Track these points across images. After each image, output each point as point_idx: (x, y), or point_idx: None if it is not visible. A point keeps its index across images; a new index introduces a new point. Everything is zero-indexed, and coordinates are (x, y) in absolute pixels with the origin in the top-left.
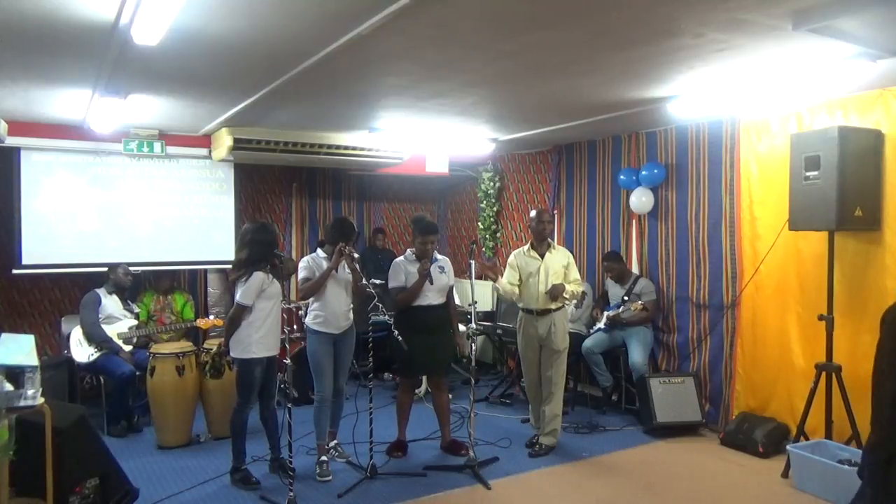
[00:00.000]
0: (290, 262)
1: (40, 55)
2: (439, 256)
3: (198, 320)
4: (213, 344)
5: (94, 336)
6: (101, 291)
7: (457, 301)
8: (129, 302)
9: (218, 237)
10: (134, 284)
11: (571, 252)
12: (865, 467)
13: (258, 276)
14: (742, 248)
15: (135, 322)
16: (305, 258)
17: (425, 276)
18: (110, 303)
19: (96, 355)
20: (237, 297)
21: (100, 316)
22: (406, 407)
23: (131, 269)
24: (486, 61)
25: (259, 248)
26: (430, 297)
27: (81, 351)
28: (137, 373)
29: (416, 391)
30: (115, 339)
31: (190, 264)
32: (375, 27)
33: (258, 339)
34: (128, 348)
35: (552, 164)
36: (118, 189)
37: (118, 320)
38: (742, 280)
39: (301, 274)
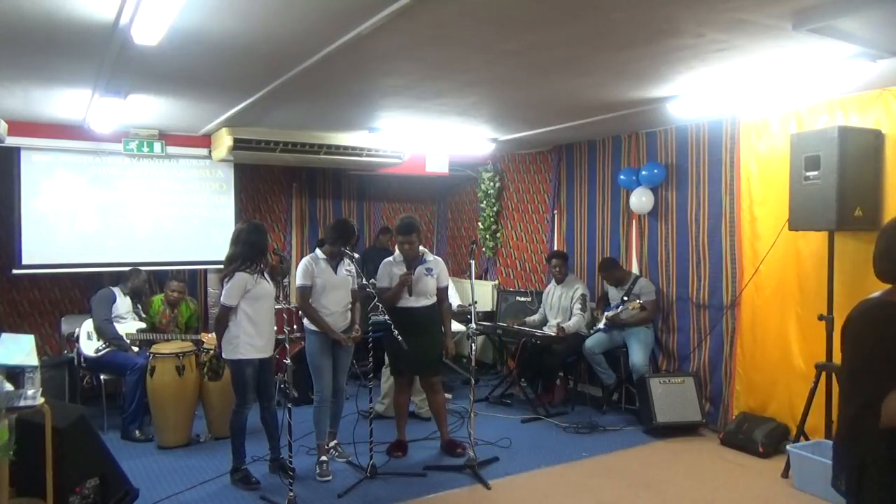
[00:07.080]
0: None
1: (40, 55)
2: (430, 258)
3: (202, 334)
4: (212, 345)
5: (106, 332)
6: (117, 290)
7: (458, 301)
8: (138, 305)
9: (218, 237)
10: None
11: (563, 253)
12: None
13: (240, 277)
14: (742, 248)
15: (142, 325)
16: (304, 260)
17: (404, 284)
18: (122, 303)
19: (104, 350)
20: (221, 297)
21: (112, 314)
22: (403, 407)
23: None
24: (486, 61)
25: (247, 249)
26: (411, 299)
27: (90, 344)
28: None
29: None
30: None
31: (190, 264)
32: (375, 27)
33: (246, 341)
34: (134, 349)
35: (552, 164)
36: (118, 189)
37: (126, 321)
38: (742, 280)
39: (298, 281)
